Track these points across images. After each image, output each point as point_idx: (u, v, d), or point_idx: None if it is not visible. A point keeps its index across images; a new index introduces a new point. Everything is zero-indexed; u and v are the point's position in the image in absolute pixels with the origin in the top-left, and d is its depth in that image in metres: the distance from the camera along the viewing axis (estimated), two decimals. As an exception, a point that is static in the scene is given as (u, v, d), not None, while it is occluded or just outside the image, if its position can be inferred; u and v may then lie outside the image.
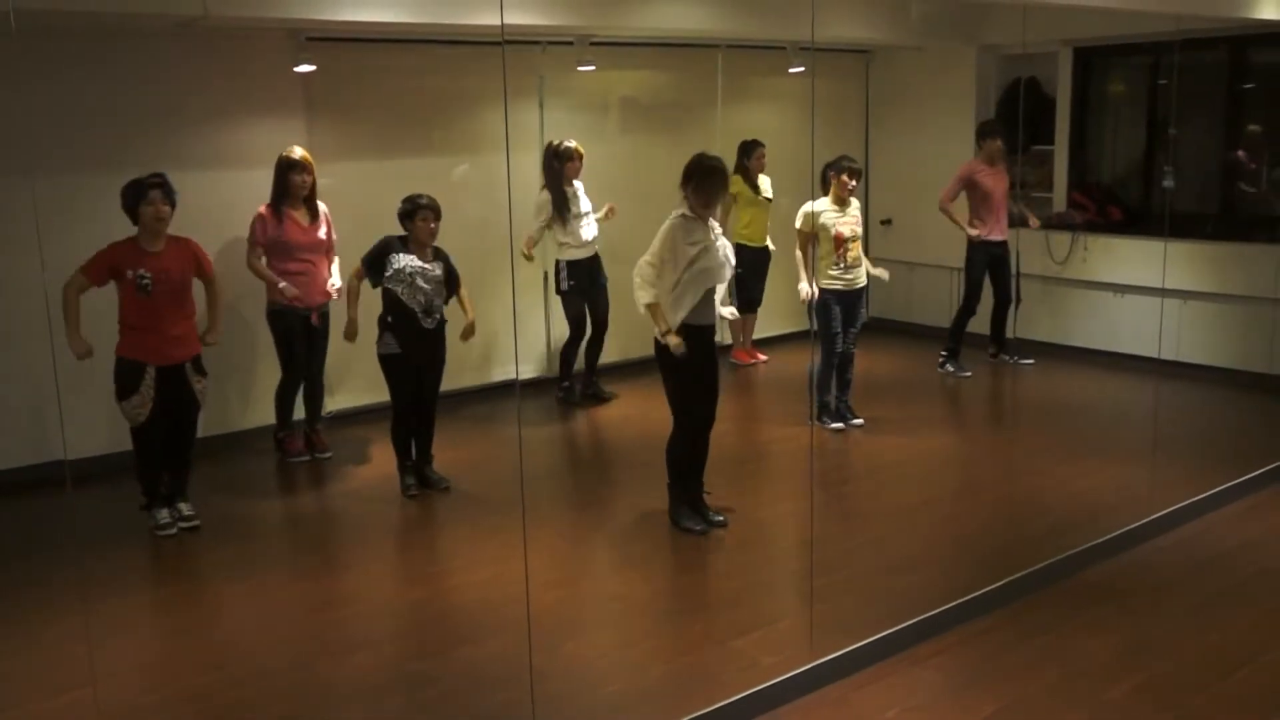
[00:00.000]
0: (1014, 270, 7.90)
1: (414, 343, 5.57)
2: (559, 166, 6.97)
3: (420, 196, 5.54)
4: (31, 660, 4.09)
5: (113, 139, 6.05)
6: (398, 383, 5.63)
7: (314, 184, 6.03)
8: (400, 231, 5.59)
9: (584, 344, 7.34)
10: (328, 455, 6.31)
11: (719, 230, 5.06)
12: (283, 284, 5.84)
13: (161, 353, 5.10)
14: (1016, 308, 7.97)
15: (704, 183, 4.89)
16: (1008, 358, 8.11)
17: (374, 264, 5.51)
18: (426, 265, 5.54)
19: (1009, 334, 8.04)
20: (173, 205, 5.11)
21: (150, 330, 5.07)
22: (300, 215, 6.00)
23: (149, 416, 5.10)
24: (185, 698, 3.82)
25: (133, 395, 5.06)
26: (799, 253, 6.49)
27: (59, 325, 5.73)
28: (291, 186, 5.94)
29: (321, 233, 6.06)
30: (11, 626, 4.34)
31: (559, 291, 7.24)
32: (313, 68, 6.47)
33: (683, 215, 4.92)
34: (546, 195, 7.00)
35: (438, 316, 5.62)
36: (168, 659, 4.16)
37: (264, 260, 5.95)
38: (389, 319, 5.55)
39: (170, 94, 6.20)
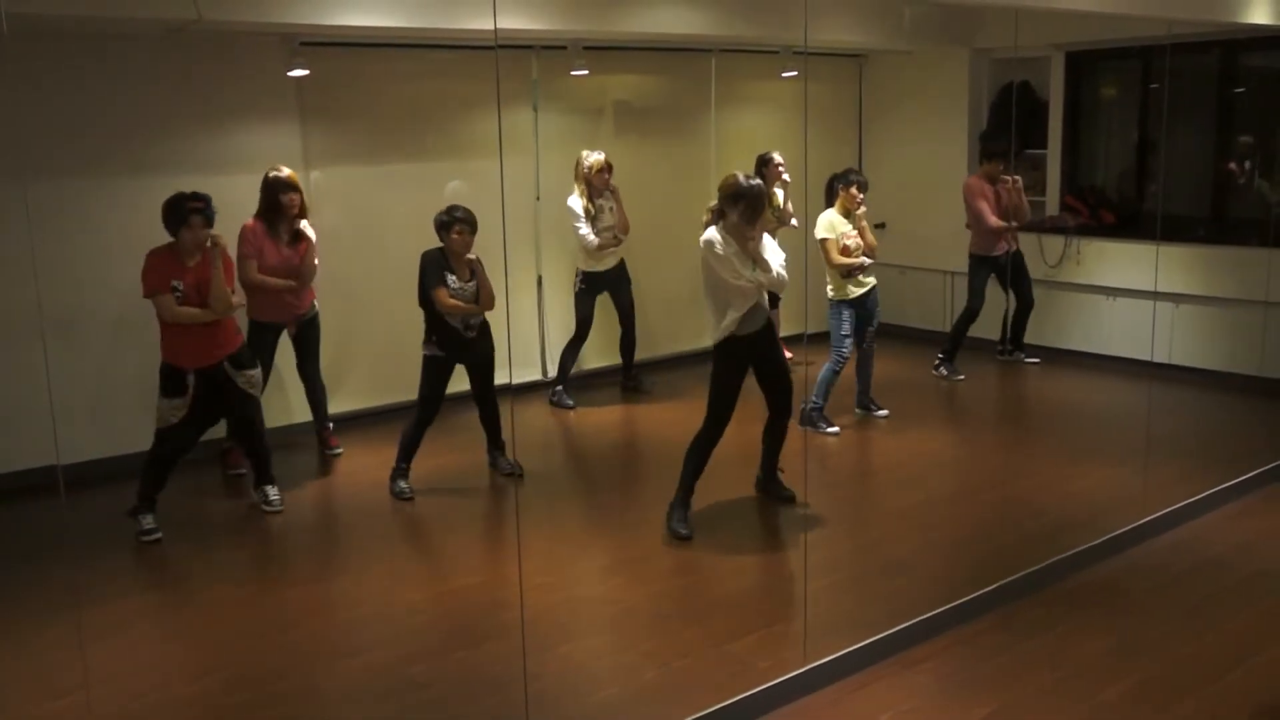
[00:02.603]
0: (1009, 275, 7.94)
1: (459, 349, 5.70)
2: (589, 176, 7.09)
3: (457, 209, 5.60)
4: (25, 665, 4.08)
5: (105, 143, 6.04)
6: (431, 381, 5.69)
7: (302, 203, 5.98)
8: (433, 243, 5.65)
9: (589, 346, 7.46)
10: (338, 452, 6.45)
11: (767, 239, 5.19)
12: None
13: (198, 354, 5.18)
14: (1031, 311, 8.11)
15: (753, 205, 5.02)
16: (1022, 355, 8.22)
17: (430, 284, 5.55)
18: (463, 285, 5.60)
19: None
20: (212, 224, 5.17)
21: (185, 330, 5.14)
22: (283, 237, 5.94)
23: (179, 422, 5.17)
24: (179, 703, 3.81)
25: (175, 398, 5.15)
26: (836, 256, 6.52)
27: (52, 329, 5.75)
28: (280, 206, 5.89)
29: (299, 259, 5.99)
30: (5, 632, 4.33)
31: (575, 292, 7.38)
32: (306, 72, 6.47)
33: (718, 235, 5.04)
34: (579, 201, 7.10)
35: (477, 326, 5.73)
36: (162, 664, 4.14)
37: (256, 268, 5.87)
38: (433, 335, 5.64)
39: (163, 98, 6.19)
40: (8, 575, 4.86)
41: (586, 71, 7.48)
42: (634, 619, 4.42)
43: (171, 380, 5.18)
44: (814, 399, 6.67)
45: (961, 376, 7.89)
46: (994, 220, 7.68)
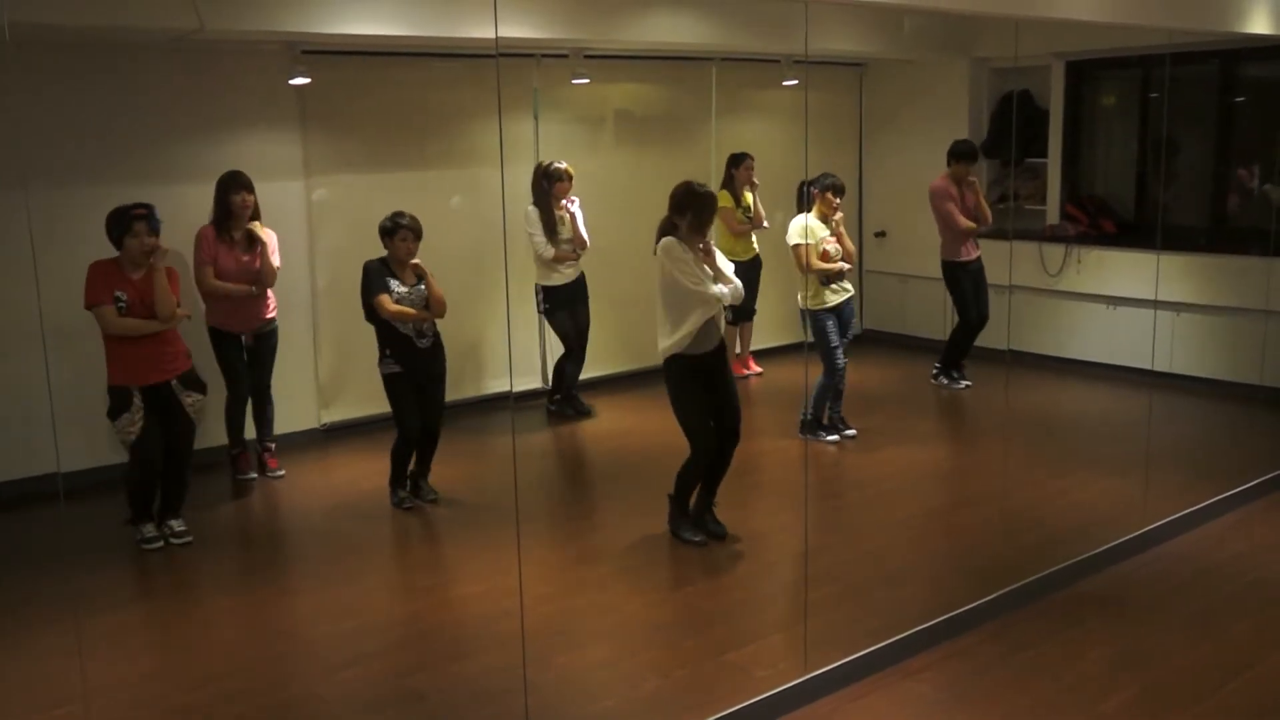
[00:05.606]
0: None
1: (413, 363, 5.57)
2: (547, 186, 6.93)
3: (402, 216, 5.50)
4: (22, 675, 4.08)
5: (108, 152, 6.05)
6: (401, 400, 5.59)
7: (255, 205, 5.86)
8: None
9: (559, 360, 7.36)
10: (280, 475, 6.18)
11: (717, 252, 5.07)
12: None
13: (143, 371, 5.05)
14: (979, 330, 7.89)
15: (701, 213, 4.91)
16: (958, 376, 7.91)
17: (372, 292, 5.47)
18: (410, 289, 5.52)
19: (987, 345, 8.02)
20: (157, 234, 5.04)
21: (132, 344, 5.02)
22: (238, 242, 5.84)
23: (140, 435, 5.04)
24: (177, 713, 3.80)
25: (122, 415, 5.02)
26: (815, 261, 6.28)
27: (52, 338, 5.75)
28: (233, 208, 5.79)
29: (257, 263, 5.86)
30: (3, 639, 4.33)
31: (540, 312, 7.25)
32: (308, 80, 6.49)
33: (676, 241, 4.92)
34: (535, 211, 6.96)
35: (430, 336, 5.62)
36: (159, 674, 4.14)
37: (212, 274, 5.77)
38: (386, 349, 5.54)
39: (166, 107, 6.21)
40: (5, 584, 4.85)
41: (587, 80, 7.50)
42: (633, 629, 4.42)
43: (116, 401, 5.02)
44: (810, 410, 6.63)
45: (964, 384, 7.87)
46: (964, 222, 7.63)
